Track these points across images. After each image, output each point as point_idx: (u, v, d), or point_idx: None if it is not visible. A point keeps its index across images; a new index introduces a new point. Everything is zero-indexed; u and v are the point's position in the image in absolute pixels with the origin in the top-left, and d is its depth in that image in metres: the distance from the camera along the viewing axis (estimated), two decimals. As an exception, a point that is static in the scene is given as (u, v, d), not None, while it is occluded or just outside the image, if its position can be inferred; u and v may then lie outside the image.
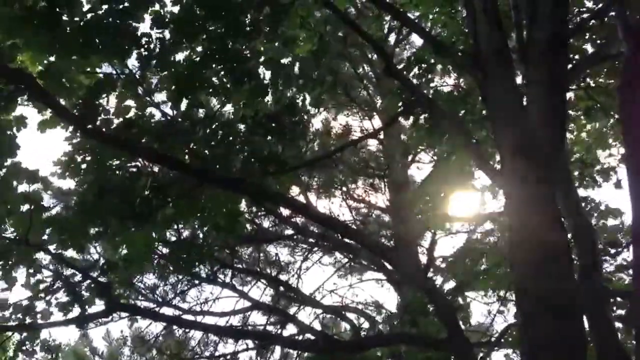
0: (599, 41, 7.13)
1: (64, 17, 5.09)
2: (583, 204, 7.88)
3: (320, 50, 6.53)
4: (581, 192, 9.25)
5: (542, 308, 3.94)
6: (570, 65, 6.02)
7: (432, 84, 8.07)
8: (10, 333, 6.50)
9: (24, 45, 5.21)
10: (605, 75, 7.81)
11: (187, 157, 5.89)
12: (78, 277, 6.43)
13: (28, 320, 6.29)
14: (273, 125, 5.80)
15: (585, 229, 5.92)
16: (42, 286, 6.27)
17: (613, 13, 6.32)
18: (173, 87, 5.65)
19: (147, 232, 6.28)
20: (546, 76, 4.85)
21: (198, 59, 5.64)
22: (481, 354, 9.05)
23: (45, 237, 5.94)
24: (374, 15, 8.89)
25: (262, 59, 6.08)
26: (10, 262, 5.87)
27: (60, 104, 5.37)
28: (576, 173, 9.18)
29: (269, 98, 6.01)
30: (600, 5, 6.88)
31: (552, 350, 3.78)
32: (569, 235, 5.52)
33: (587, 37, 7.24)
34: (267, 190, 6.07)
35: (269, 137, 5.84)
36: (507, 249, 5.80)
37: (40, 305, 6.26)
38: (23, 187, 5.73)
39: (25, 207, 5.74)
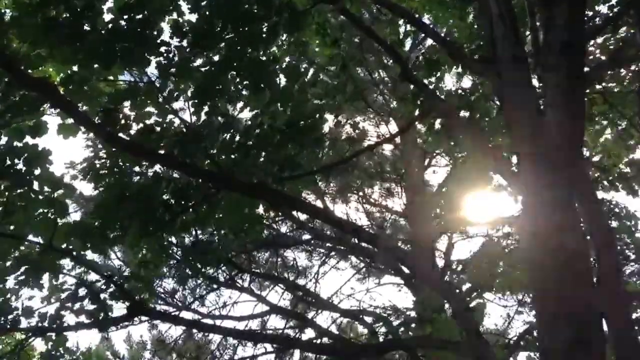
0: (616, 45, 7.10)
1: (86, 27, 5.19)
2: (602, 207, 7.85)
3: (340, 57, 6.58)
4: (600, 195, 9.20)
5: (560, 311, 3.94)
6: (587, 69, 6.01)
7: (446, 87, 8.11)
8: (34, 338, 6.58)
9: (47, 55, 5.32)
10: (623, 78, 7.78)
11: (205, 163, 5.96)
12: (101, 284, 6.51)
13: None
14: (290, 132, 5.85)
15: (604, 231, 5.89)
16: (65, 294, 6.34)
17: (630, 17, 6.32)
18: (192, 94, 5.73)
19: (166, 236, 6.38)
20: (563, 80, 4.82)
21: (216, 66, 5.70)
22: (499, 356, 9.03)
23: (68, 242, 6.03)
24: (389, 20, 8.93)
25: (279, 65, 6.13)
26: (36, 268, 5.96)
27: (82, 112, 5.46)
28: (595, 176, 9.14)
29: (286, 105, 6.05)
30: (617, 9, 6.86)
31: (570, 353, 3.78)
32: (588, 239, 5.51)
33: (604, 41, 7.21)
34: (285, 195, 6.12)
35: (287, 144, 5.89)
36: (525, 252, 5.79)
37: (65, 314, 6.33)
38: (48, 193, 5.82)
39: (49, 213, 5.82)
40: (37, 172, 5.66)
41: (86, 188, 10.63)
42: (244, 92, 5.89)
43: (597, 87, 7.84)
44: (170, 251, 9.22)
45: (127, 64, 5.47)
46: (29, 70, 5.32)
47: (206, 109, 5.81)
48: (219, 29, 5.50)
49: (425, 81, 7.54)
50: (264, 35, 5.60)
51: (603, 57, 7.27)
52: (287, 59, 6.35)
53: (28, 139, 5.68)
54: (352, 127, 12.01)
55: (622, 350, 5.19)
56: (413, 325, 8.93)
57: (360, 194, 12.72)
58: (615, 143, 9.02)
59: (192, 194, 5.87)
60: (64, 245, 6.02)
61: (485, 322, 10.27)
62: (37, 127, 5.74)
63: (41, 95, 5.35)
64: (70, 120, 5.79)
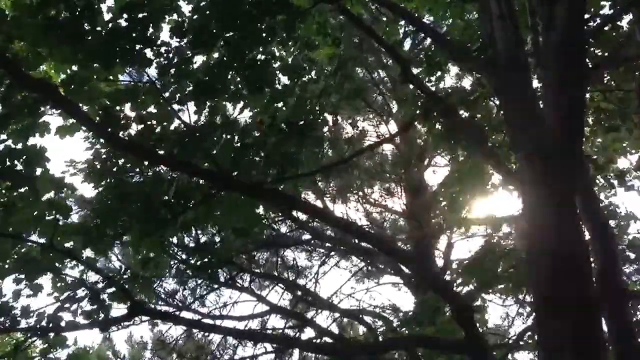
0: (616, 44, 7.10)
1: (86, 27, 5.19)
2: (601, 206, 7.84)
3: (338, 57, 6.58)
4: (599, 194, 9.18)
5: (560, 311, 3.94)
6: (586, 69, 6.01)
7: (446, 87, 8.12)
8: (33, 338, 6.56)
9: (47, 54, 5.32)
10: (622, 78, 7.77)
11: (205, 163, 5.96)
12: (102, 284, 6.51)
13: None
14: (290, 131, 5.85)
15: (603, 231, 5.90)
16: (65, 294, 6.33)
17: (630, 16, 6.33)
18: (192, 94, 5.73)
19: (166, 236, 6.37)
20: (563, 80, 4.83)
21: (216, 66, 5.70)
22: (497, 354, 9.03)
23: (70, 243, 6.03)
24: (390, 20, 8.93)
25: (278, 64, 6.13)
26: (37, 269, 5.95)
27: (83, 112, 5.46)
28: (594, 175, 9.12)
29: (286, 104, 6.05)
30: (617, 8, 6.86)
31: (570, 353, 3.78)
32: (588, 238, 5.51)
33: (604, 40, 7.20)
34: (285, 195, 6.12)
35: (287, 144, 5.89)
36: (524, 252, 5.81)
37: (64, 314, 6.32)
38: (48, 194, 5.81)
39: (50, 214, 5.81)
40: (38, 171, 5.64)
41: (87, 189, 10.66)
42: (244, 92, 5.89)
43: (597, 86, 7.84)
44: (171, 251, 9.24)
45: (127, 64, 5.46)
46: (29, 72, 5.31)
47: (206, 108, 5.81)
48: (218, 28, 5.50)
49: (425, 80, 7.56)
50: (263, 35, 5.60)
51: (603, 56, 7.26)
52: (289, 59, 6.34)
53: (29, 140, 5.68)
54: (352, 127, 12.03)
55: (622, 350, 5.20)
56: (413, 325, 8.92)
57: (360, 194, 12.72)
58: (615, 142, 9.01)
59: (192, 194, 5.87)
60: (65, 246, 6.02)
61: (485, 322, 10.24)
62: (42, 128, 5.73)
63: (42, 96, 5.35)
64: (70, 121, 5.79)
